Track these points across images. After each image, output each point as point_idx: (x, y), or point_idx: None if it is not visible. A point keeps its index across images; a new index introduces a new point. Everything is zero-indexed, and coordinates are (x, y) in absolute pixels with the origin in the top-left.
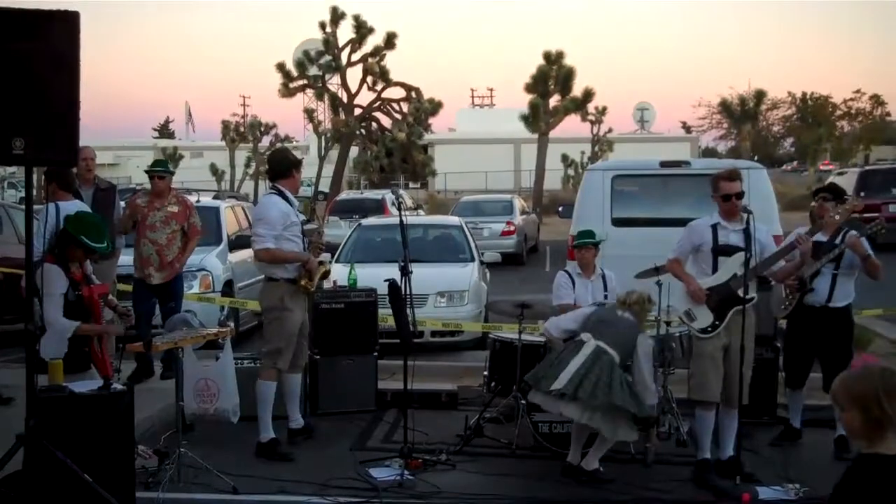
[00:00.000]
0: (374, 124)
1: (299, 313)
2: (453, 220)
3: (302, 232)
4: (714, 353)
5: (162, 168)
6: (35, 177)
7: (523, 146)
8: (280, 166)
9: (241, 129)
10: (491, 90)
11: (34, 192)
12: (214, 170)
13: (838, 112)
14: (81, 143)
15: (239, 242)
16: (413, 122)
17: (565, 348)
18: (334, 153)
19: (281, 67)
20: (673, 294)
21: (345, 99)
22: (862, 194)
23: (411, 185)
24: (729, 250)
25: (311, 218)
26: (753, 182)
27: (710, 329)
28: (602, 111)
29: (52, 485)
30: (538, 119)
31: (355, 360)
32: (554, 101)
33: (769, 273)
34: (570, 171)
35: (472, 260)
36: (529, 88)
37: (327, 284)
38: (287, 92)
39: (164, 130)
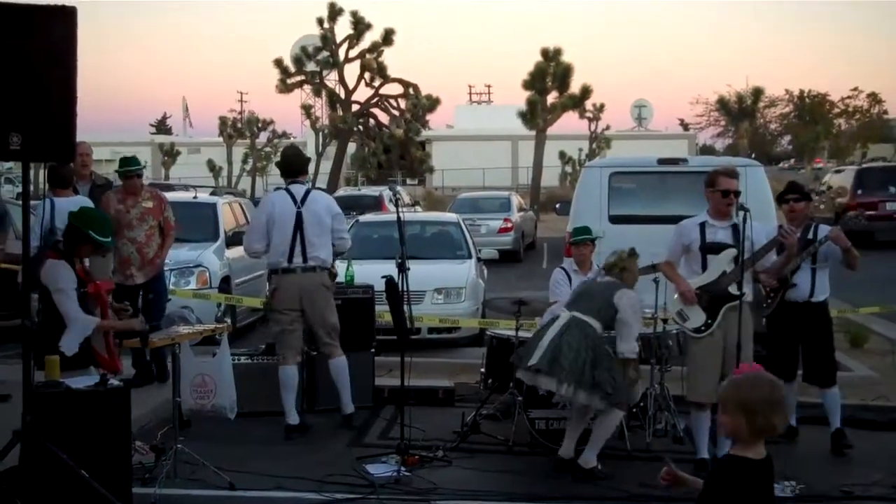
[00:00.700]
0: (371, 120)
1: None
2: (451, 216)
3: None
4: (708, 353)
5: (136, 167)
6: (32, 172)
7: (521, 143)
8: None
9: (239, 126)
10: (489, 87)
11: (31, 188)
12: (212, 166)
13: (836, 110)
14: (78, 138)
15: (236, 239)
16: (411, 118)
17: (545, 324)
18: (332, 149)
19: (278, 63)
20: (670, 291)
21: (342, 95)
22: (859, 192)
23: (409, 181)
24: (717, 248)
25: None
26: (751, 180)
27: (703, 328)
28: (600, 108)
29: (49, 480)
30: (536, 116)
31: (352, 356)
32: (552, 97)
33: (761, 270)
34: (568, 168)
35: (470, 257)
36: (527, 85)
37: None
38: (284, 88)
39: (162, 126)
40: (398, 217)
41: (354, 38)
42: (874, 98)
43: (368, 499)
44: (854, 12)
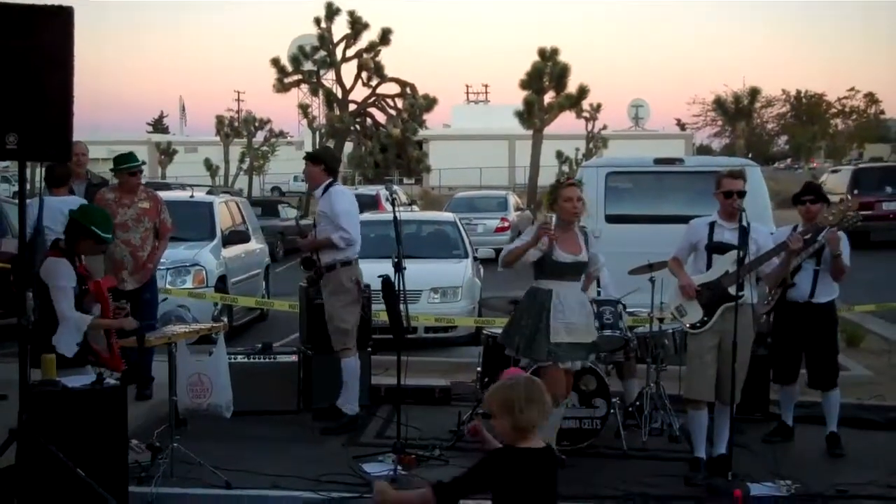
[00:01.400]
0: (368, 120)
1: None
2: (447, 216)
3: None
4: (704, 351)
5: (134, 163)
6: (28, 171)
7: (518, 142)
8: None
9: (236, 125)
10: (486, 86)
11: (28, 187)
12: (209, 165)
13: (832, 110)
14: (74, 137)
15: (233, 238)
16: (408, 117)
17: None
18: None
19: (275, 63)
20: (667, 290)
21: (339, 94)
22: (855, 192)
23: (406, 181)
24: (722, 248)
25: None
26: (748, 180)
27: (698, 325)
28: (597, 108)
29: (46, 479)
30: (533, 115)
31: None
32: (549, 97)
33: (764, 276)
34: (565, 168)
35: (466, 256)
36: (524, 85)
37: None
38: (282, 87)
39: (159, 125)
40: (395, 216)
41: (352, 38)
42: (871, 98)
43: (365, 497)
44: (852, 12)
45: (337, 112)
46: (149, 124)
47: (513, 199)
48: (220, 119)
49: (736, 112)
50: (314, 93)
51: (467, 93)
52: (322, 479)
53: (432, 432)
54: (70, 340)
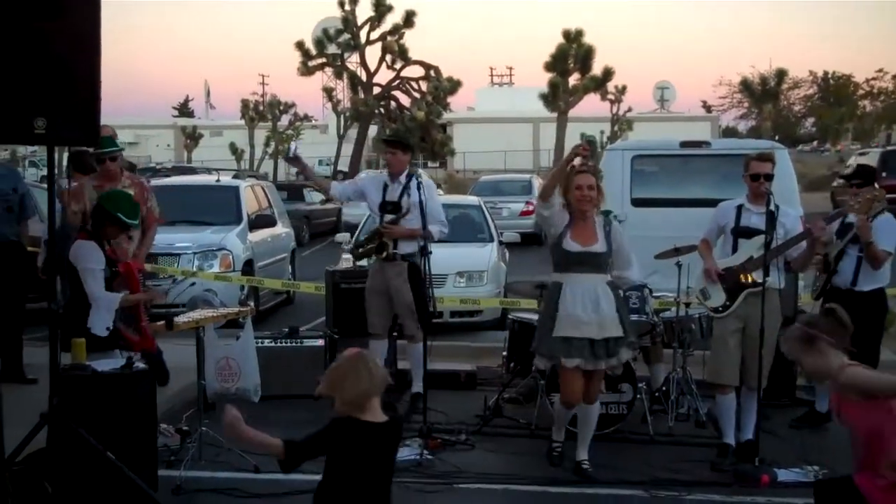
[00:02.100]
0: (392, 103)
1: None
2: (472, 199)
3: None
4: (728, 335)
5: (112, 147)
6: (56, 156)
7: (542, 125)
8: None
9: (261, 108)
10: (510, 69)
11: (56, 171)
12: (234, 149)
13: (860, 91)
14: (101, 122)
15: (259, 222)
16: (432, 100)
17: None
18: (353, 132)
19: (300, 46)
20: (693, 275)
21: (364, 77)
22: (883, 174)
23: (430, 164)
24: (749, 232)
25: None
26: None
27: (721, 309)
28: (622, 90)
29: (76, 463)
30: (557, 98)
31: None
32: (573, 79)
33: (792, 260)
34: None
35: (491, 240)
36: (549, 67)
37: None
38: (306, 70)
39: (184, 109)
40: (420, 201)
41: (376, 21)
42: None
43: (392, 482)
44: None
45: (361, 95)
46: (174, 108)
47: (537, 183)
48: (245, 103)
49: (763, 94)
50: (338, 76)
51: (491, 75)
52: None
53: (458, 416)
54: (102, 320)
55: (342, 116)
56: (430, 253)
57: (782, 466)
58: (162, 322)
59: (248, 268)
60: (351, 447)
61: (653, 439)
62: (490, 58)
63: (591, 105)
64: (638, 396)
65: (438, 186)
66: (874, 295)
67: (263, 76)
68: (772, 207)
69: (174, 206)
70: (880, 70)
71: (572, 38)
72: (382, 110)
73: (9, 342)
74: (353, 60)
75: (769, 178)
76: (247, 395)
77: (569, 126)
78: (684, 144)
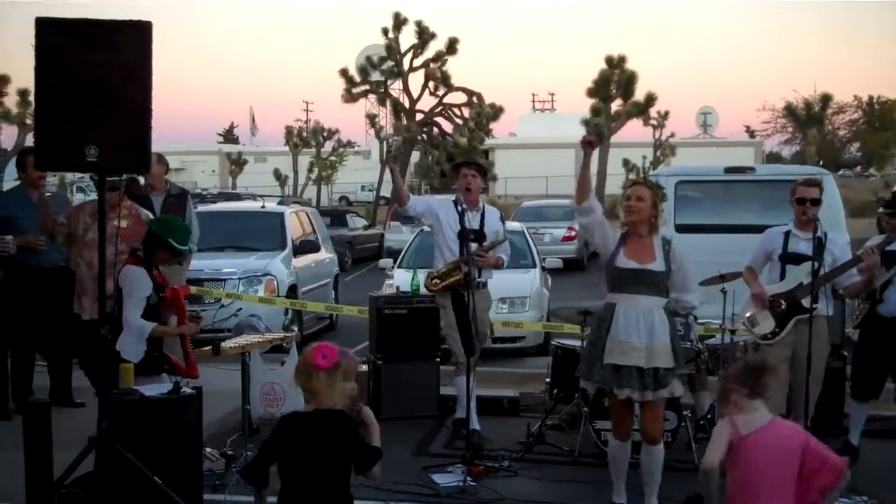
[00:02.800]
0: (435, 129)
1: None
2: (515, 225)
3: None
4: (778, 363)
5: (114, 178)
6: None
7: None
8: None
9: (304, 135)
10: (552, 94)
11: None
12: (278, 175)
13: None
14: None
15: (303, 248)
16: (474, 126)
17: (594, 329)
18: None
19: (344, 73)
20: (738, 301)
21: (406, 104)
22: None
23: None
24: (797, 258)
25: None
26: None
27: (769, 336)
28: (664, 115)
29: (123, 486)
30: (600, 124)
31: (417, 365)
32: (616, 105)
33: (843, 288)
34: (632, 176)
35: (534, 266)
36: (591, 93)
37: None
38: (350, 97)
39: (229, 136)
40: (462, 227)
41: (419, 48)
42: None
43: None
44: None
45: (404, 121)
46: (219, 134)
47: None
48: (289, 129)
49: (807, 119)
50: (382, 102)
51: (533, 101)
52: (392, 489)
53: (501, 443)
54: (132, 346)
55: (385, 143)
56: (473, 279)
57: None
58: (209, 347)
59: (293, 293)
60: (279, 439)
61: (697, 468)
62: (532, 84)
63: (633, 130)
64: (682, 424)
65: None
66: None
67: (307, 103)
68: (819, 234)
69: (220, 231)
70: None
71: (615, 63)
72: (425, 136)
73: (58, 366)
74: (396, 87)
75: (816, 203)
76: None
77: (611, 152)
78: (729, 170)
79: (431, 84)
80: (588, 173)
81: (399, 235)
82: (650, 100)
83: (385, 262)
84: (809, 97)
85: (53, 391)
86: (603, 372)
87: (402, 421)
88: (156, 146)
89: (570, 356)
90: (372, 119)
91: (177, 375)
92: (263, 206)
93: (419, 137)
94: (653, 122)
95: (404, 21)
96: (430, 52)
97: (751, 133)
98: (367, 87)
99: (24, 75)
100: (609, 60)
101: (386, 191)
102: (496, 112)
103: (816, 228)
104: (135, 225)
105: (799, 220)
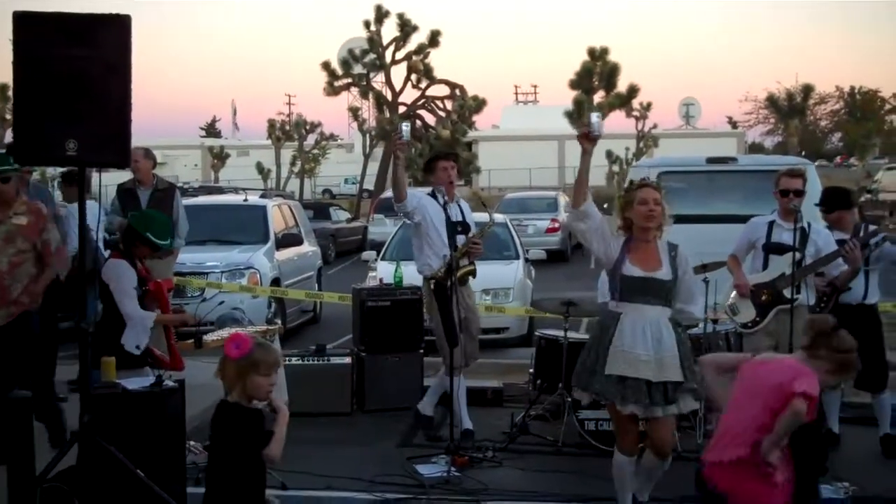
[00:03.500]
0: (418, 122)
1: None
2: (498, 217)
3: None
4: (759, 352)
5: (8, 167)
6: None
7: (568, 143)
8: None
9: (287, 128)
10: (535, 87)
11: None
12: (260, 168)
13: (887, 106)
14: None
15: (286, 241)
16: (457, 119)
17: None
18: (379, 151)
19: (326, 66)
20: (721, 290)
21: (389, 97)
22: None
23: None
24: (780, 248)
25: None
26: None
27: (750, 325)
28: (647, 107)
29: (106, 479)
30: (582, 115)
31: (401, 357)
32: (598, 97)
33: (834, 279)
34: (615, 168)
35: (517, 257)
36: (574, 85)
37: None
38: (332, 90)
39: (211, 129)
40: (446, 218)
41: (401, 41)
42: None
43: (419, 499)
44: None
45: (387, 114)
46: (202, 128)
47: (563, 200)
48: (271, 123)
49: (789, 109)
50: (364, 95)
51: (516, 93)
52: (376, 481)
53: (485, 433)
54: (136, 339)
55: (368, 136)
56: (457, 270)
57: None
58: (191, 340)
59: (276, 286)
60: (235, 428)
61: (681, 456)
62: (515, 76)
63: (616, 122)
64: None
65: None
66: (875, 307)
67: (290, 96)
68: (803, 225)
69: (202, 225)
70: None
71: (597, 55)
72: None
73: (42, 361)
74: (378, 80)
75: (799, 193)
76: None
77: None
78: (711, 161)
79: (414, 77)
80: (585, 174)
81: (382, 228)
82: (633, 91)
83: (368, 254)
84: (791, 88)
85: (36, 387)
86: (605, 383)
87: (386, 412)
88: (137, 140)
89: (554, 346)
90: (354, 112)
91: (162, 369)
92: (246, 200)
93: None
94: (635, 113)
95: (386, 14)
96: (412, 44)
97: (733, 124)
98: (350, 80)
99: (2, 70)
100: (591, 52)
101: (369, 183)
102: (479, 104)
103: (798, 219)
104: (36, 220)
105: (782, 211)
